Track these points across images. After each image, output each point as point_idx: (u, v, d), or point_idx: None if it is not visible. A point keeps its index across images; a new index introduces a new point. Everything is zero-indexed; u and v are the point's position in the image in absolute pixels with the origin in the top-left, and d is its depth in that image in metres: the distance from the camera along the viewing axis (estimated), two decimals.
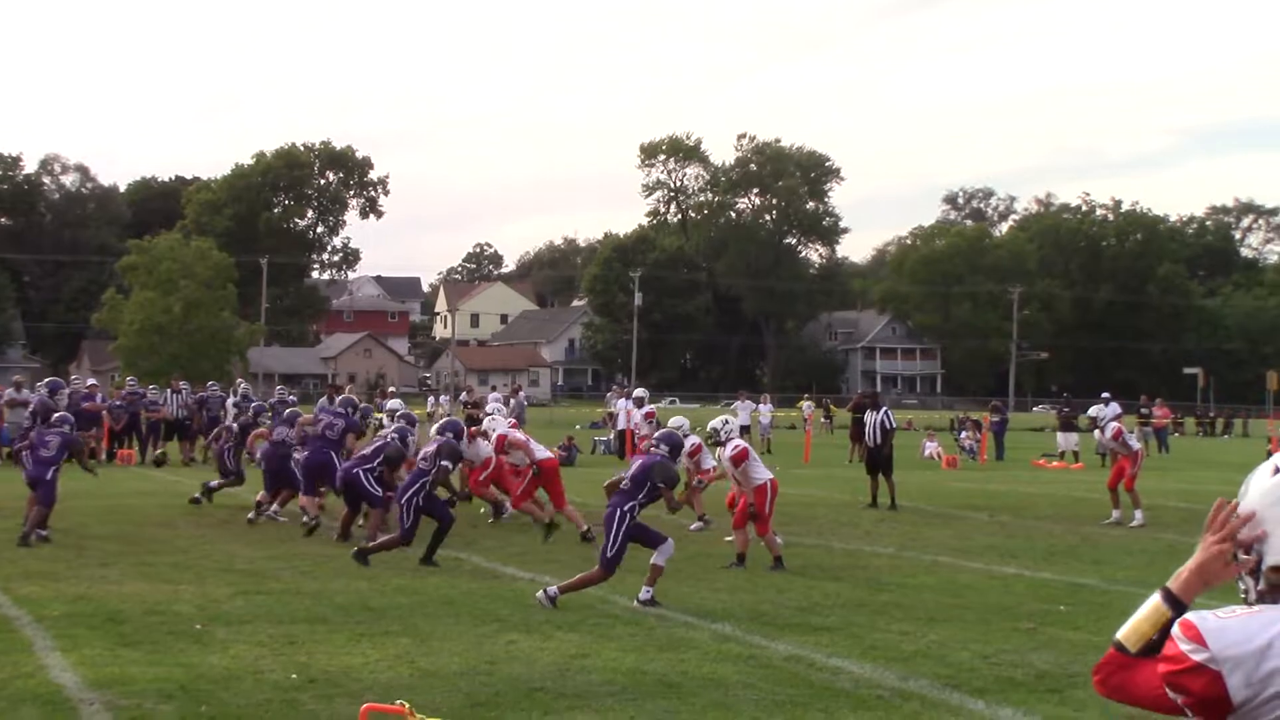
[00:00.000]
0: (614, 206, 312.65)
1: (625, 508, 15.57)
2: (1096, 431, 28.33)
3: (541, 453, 23.76)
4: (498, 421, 25.14)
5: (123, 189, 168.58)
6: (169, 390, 43.31)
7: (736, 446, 19.05)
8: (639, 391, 38.62)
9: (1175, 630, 3.58)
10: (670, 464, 16.12)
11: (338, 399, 32.98)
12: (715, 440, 19.63)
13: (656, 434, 17.46)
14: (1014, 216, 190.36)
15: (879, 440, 29.72)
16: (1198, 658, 3.50)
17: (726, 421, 19.61)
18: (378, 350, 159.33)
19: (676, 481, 16.55)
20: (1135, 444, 27.68)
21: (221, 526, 23.12)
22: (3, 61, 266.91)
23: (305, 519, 22.54)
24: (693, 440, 22.83)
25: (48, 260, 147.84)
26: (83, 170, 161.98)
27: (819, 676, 11.88)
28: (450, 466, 18.72)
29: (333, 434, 23.80)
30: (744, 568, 18.39)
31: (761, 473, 19.12)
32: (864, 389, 70.62)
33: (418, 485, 18.45)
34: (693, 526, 24.14)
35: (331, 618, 14.30)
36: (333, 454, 23.36)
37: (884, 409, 30.46)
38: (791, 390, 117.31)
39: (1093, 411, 30.41)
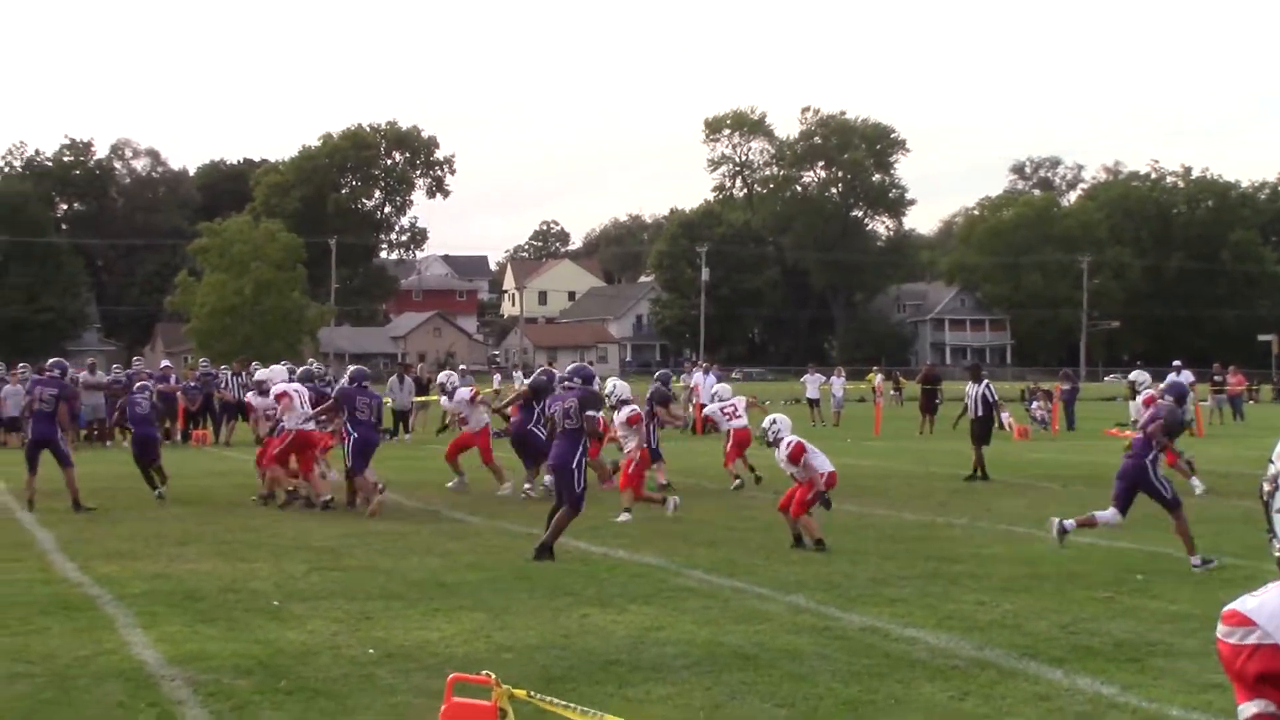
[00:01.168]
0: (679, 182, 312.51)
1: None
2: (1132, 401, 28.15)
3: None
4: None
5: (193, 172, 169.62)
6: (230, 372, 43.48)
7: (790, 444, 18.47)
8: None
9: (1219, 629, 3.51)
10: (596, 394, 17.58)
11: (408, 378, 33.27)
12: (766, 441, 19.06)
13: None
14: (1082, 185, 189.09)
15: (979, 412, 29.61)
16: (1250, 640, 3.44)
17: (774, 421, 19.08)
18: (447, 329, 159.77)
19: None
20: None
21: (295, 505, 23.18)
22: (73, 47, 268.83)
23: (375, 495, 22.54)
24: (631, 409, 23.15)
25: (120, 244, 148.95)
26: (153, 154, 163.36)
27: (894, 647, 11.83)
28: (596, 415, 17.92)
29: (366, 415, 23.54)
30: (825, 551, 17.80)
31: (823, 463, 18.66)
32: (932, 360, 70.35)
33: (580, 450, 17.36)
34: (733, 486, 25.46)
35: (406, 594, 14.34)
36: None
37: (985, 381, 30.26)
38: (861, 363, 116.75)
39: (1134, 376, 30.21)
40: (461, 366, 58.15)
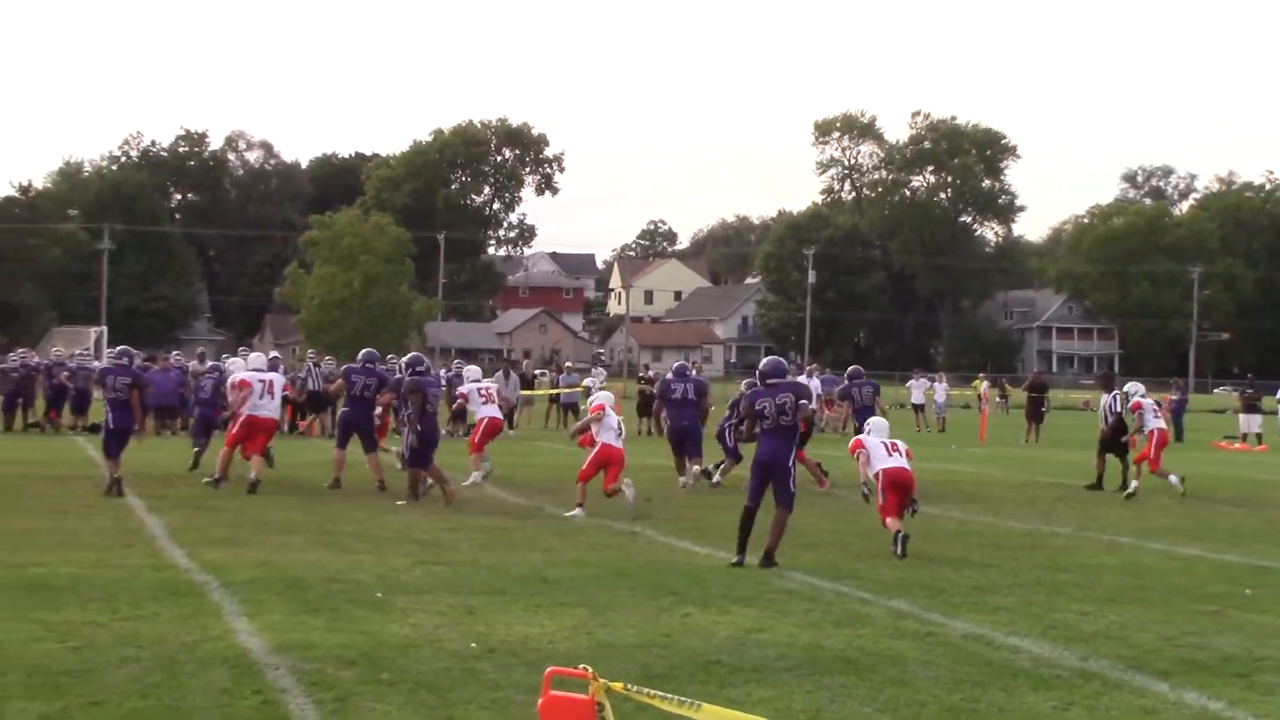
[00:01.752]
0: (788, 184, 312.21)
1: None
2: (1242, 415, 28.18)
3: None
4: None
5: (305, 165, 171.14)
6: (308, 363, 43.57)
7: (851, 441, 18.80)
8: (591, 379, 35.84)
9: None
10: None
11: (514, 374, 33.59)
12: None
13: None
14: (1194, 195, 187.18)
15: (1109, 421, 29.32)
16: None
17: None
18: (552, 326, 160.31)
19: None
20: (1154, 422, 28.37)
21: (399, 497, 23.29)
22: (189, 39, 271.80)
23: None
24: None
25: (232, 235, 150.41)
26: (266, 146, 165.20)
27: (998, 655, 11.73)
28: (811, 407, 17.68)
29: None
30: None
31: (877, 463, 18.55)
32: (1038, 368, 69.49)
33: (794, 448, 17.13)
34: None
35: (509, 589, 14.37)
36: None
37: (1114, 392, 29.95)
38: (966, 369, 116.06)
39: (1129, 388, 30.52)
40: (567, 364, 58.33)
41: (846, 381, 32.27)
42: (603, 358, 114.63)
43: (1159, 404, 46.22)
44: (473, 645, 11.55)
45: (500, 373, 45.95)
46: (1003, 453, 40.12)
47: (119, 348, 26.06)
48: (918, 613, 13.55)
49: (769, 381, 17.12)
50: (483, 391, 27.76)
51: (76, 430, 39.55)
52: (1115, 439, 29.09)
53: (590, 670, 6.14)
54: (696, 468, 26.98)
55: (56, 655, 10.93)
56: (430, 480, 23.14)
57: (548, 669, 6.63)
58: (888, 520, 18.19)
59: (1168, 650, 12.13)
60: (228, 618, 12.47)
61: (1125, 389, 30.64)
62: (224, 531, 18.32)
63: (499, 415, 27.81)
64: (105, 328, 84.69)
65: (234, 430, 25.26)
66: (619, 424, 22.31)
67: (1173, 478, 27.20)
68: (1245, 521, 23.18)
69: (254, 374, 25.73)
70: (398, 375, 25.12)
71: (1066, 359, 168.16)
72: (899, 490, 18.36)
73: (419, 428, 23.06)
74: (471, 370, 30.23)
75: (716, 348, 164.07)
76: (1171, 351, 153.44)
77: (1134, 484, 27.14)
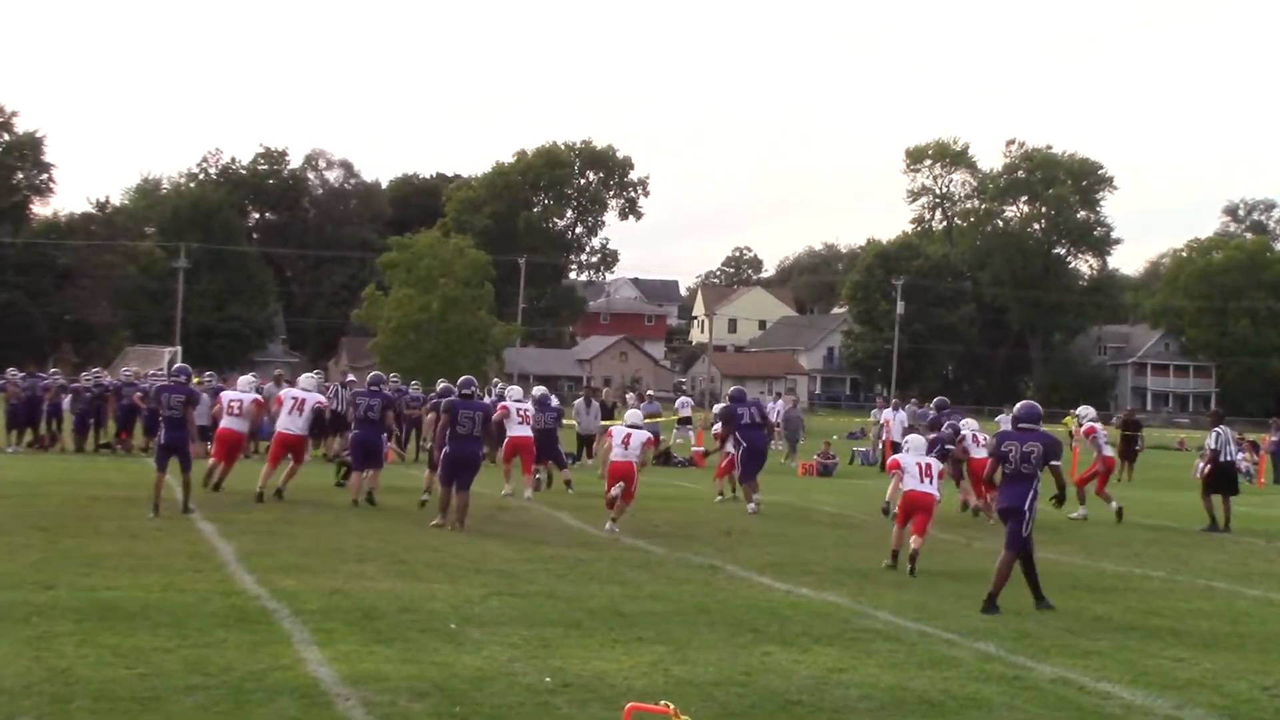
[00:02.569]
0: (877, 212, 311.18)
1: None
2: None
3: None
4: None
5: (385, 185, 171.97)
6: (335, 384, 43.41)
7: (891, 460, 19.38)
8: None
9: None
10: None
11: (594, 402, 34.34)
12: None
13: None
14: None
15: (1228, 458, 29.46)
16: None
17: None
18: (633, 353, 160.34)
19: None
20: (1106, 450, 30.84)
21: (475, 526, 23.33)
22: (271, 55, 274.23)
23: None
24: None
25: (310, 255, 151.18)
26: (346, 166, 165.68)
27: (1087, 701, 11.63)
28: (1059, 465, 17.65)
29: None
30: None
31: (907, 483, 20.24)
32: (1132, 405, 68.79)
33: (1034, 494, 16.92)
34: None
35: (585, 622, 14.36)
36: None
37: (1216, 431, 29.88)
38: (1058, 405, 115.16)
39: (1079, 411, 31.46)
40: (649, 392, 58.31)
41: (934, 412, 32.67)
42: (684, 386, 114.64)
43: (1256, 445, 45.97)
44: (547, 679, 11.55)
45: (581, 400, 45.97)
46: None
47: (176, 365, 26.87)
48: (1005, 656, 13.46)
49: (1020, 426, 17.14)
50: (521, 413, 29.78)
51: (148, 451, 39.81)
52: (1219, 479, 29.08)
53: (672, 707, 6.14)
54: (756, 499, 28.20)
55: (124, 681, 11.00)
56: (434, 494, 23.97)
57: (628, 705, 6.62)
58: (896, 534, 20.15)
59: (1264, 700, 12.01)
60: (298, 646, 12.52)
61: (1076, 412, 31.55)
62: (296, 558, 18.40)
63: (527, 434, 29.75)
64: (179, 348, 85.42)
65: (272, 449, 27.97)
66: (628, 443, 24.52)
67: (1114, 504, 29.02)
68: None
69: (287, 391, 29.23)
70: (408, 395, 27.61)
71: (1161, 396, 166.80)
72: (917, 513, 20.06)
73: (446, 447, 23.72)
74: (513, 390, 31.71)
75: (801, 378, 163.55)
76: (1271, 391, 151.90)
77: (1090, 508, 28.97)
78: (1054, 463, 16.90)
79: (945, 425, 30.82)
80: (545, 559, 19.39)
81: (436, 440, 24.59)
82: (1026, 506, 16.67)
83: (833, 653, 13.23)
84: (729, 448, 29.72)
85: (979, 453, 28.32)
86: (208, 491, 26.99)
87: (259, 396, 29.88)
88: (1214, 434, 29.90)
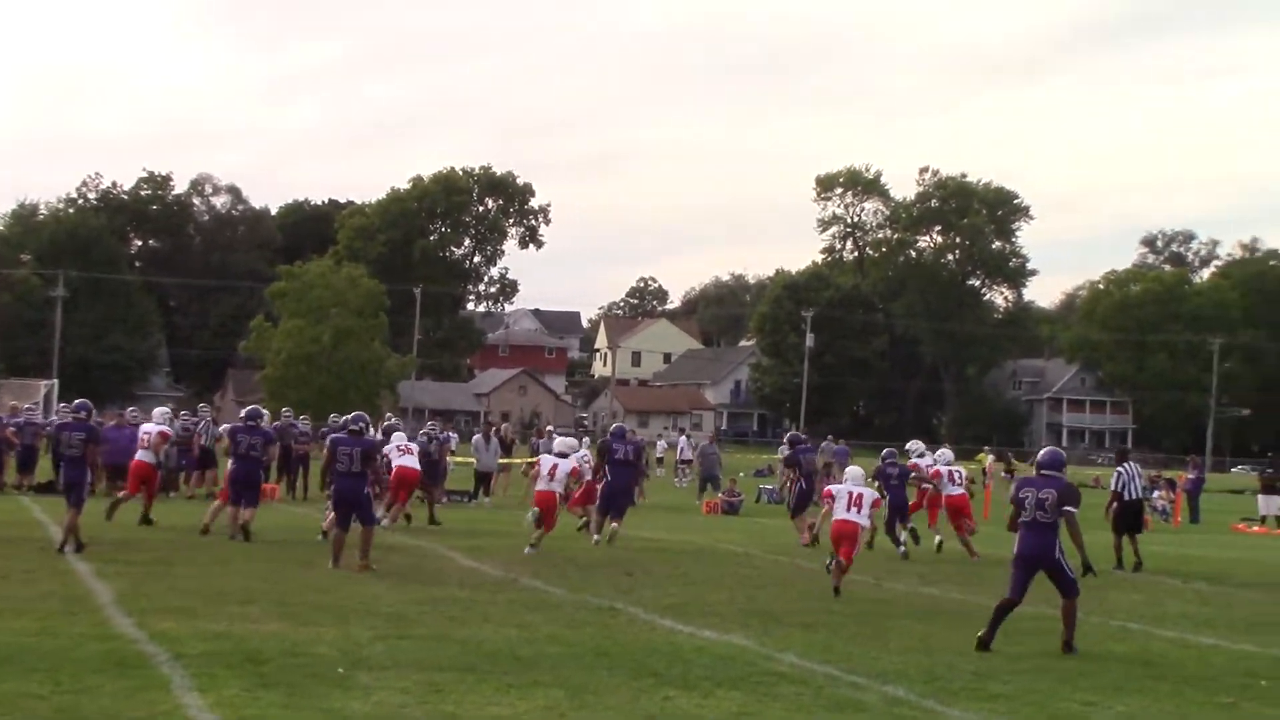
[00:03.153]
0: (786, 242, 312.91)
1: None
2: (1262, 496, 28.71)
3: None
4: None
5: (274, 211, 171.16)
6: (205, 418, 42.93)
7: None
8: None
9: None
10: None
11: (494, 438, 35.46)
12: None
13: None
14: (1216, 262, 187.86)
15: (1133, 495, 29.86)
16: None
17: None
18: (533, 387, 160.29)
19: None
20: (952, 490, 30.44)
21: (365, 568, 23.26)
22: (154, 75, 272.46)
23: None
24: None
25: (195, 284, 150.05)
26: (234, 191, 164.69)
27: None
28: (1075, 512, 17.78)
29: None
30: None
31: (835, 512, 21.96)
32: (1047, 441, 69.14)
33: (1058, 540, 17.34)
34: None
35: (480, 666, 14.33)
36: None
37: (1130, 462, 30.48)
38: (970, 441, 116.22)
39: (909, 446, 32.65)
40: (549, 428, 58.28)
41: (788, 448, 34.18)
42: (585, 422, 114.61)
43: (1173, 483, 46.55)
44: None
45: (480, 436, 45.89)
46: (1006, 533, 39.95)
47: (77, 401, 26.94)
48: (914, 699, 13.53)
49: (1042, 473, 17.35)
50: (401, 447, 30.95)
51: (22, 490, 39.41)
52: (1123, 517, 29.47)
53: None
54: (615, 525, 29.71)
55: None
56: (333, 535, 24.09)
57: None
58: (836, 562, 21.89)
59: None
60: (177, 692, 12.42)
61: (907, 447, 32.21)
62: (177, 600, 18.26)
63: (413, 465, 30.92)
64: (56, 381, 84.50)
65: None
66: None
67: (903, 538, 29.33)
68: (1264, 609, 23.18)
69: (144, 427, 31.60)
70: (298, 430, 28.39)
71: (1078, 433, 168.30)
72: (844, 541, 22.03)
73: (332, 485, 24.56)
74: (397, 433, 33.09)
75: (707, 413, 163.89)
76: (1188, 426, 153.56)
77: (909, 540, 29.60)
78: (1068, 509, 17.25)
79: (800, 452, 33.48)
80: (438, 600, 19.34)
81: (323, 477, 25.21)
82: (1057, 554, 17.22)
83: (737, 697, 13.26)
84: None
85: (953, 490, 29.37)
86: (138, 524, 29.13)
87: (166, 428, 32.02)
88: (1116, 472, 30.38)
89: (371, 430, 29.20)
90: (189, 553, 24.32)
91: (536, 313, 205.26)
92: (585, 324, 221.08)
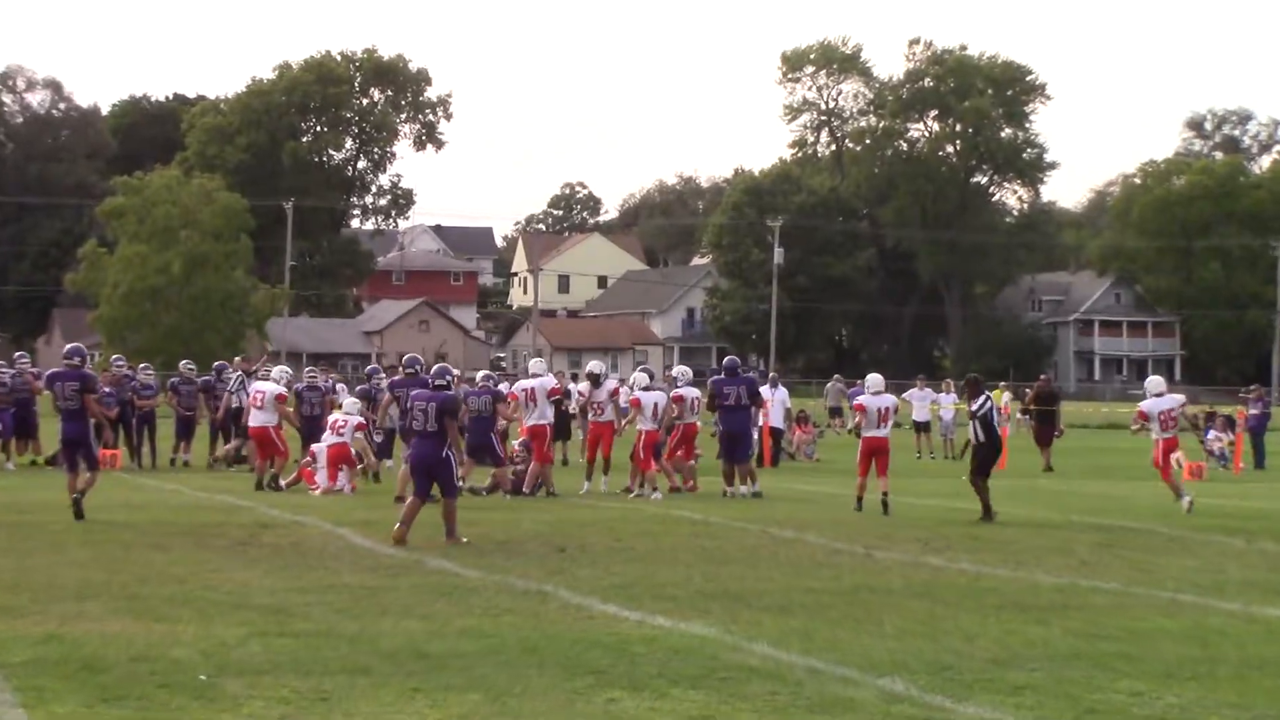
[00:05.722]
0: (747, 136, 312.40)
1: None
2: None
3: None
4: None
5: (106, 111, 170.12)
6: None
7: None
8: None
9: None
10: None
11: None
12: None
13: None
14: (1278, 148, 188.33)
15: (982, 437, 30.19)
16: None
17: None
18: (437, 322, 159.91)
19: None
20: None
21: (234, 550, 23.21)
22: None
23: None
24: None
25: (9, 204, 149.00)
26: (54, 86, 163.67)
27: None
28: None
29: None
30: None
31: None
32: (1047, 375, 68.61)
33: None
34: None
35: (377, 667, 14.32)
36: None
37: (986, 396, 30.88)
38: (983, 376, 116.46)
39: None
40: (455, 373, 57.97)
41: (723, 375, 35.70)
42: (503, 363, 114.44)
43: (1231, 420, 46.73)
44: None
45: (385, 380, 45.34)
46: (1029, 484, 40.24)
47: (69, 346, 27.99)
48: (917, 695, 13.56)
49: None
50: (258, 396, 34.01)
51: None
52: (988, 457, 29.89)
53: None
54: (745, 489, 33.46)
55: None
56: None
57: None
58: (860, 483, 26.13)
59: None
60: None
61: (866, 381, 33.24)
62: None
63: (265, 422, 33.85)
64: None
65: None
66: None
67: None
68: None
69: None
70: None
71: (1113, 361, 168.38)
72: (878, 456, 26.66)
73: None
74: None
75: (654, 349, 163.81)
76: (1249, 351, 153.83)
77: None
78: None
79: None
80: (323, 588, 19.31)
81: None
82: None
83: (698, 698, 13.28)
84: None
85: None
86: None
87: (282, 390, 34.71)
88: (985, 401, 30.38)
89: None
90: (10, 537, 24.21)
91: (438, 230, 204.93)
92: (500, 243, 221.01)
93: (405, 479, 27.89)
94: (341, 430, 33.74)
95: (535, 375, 34.58)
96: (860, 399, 29.33)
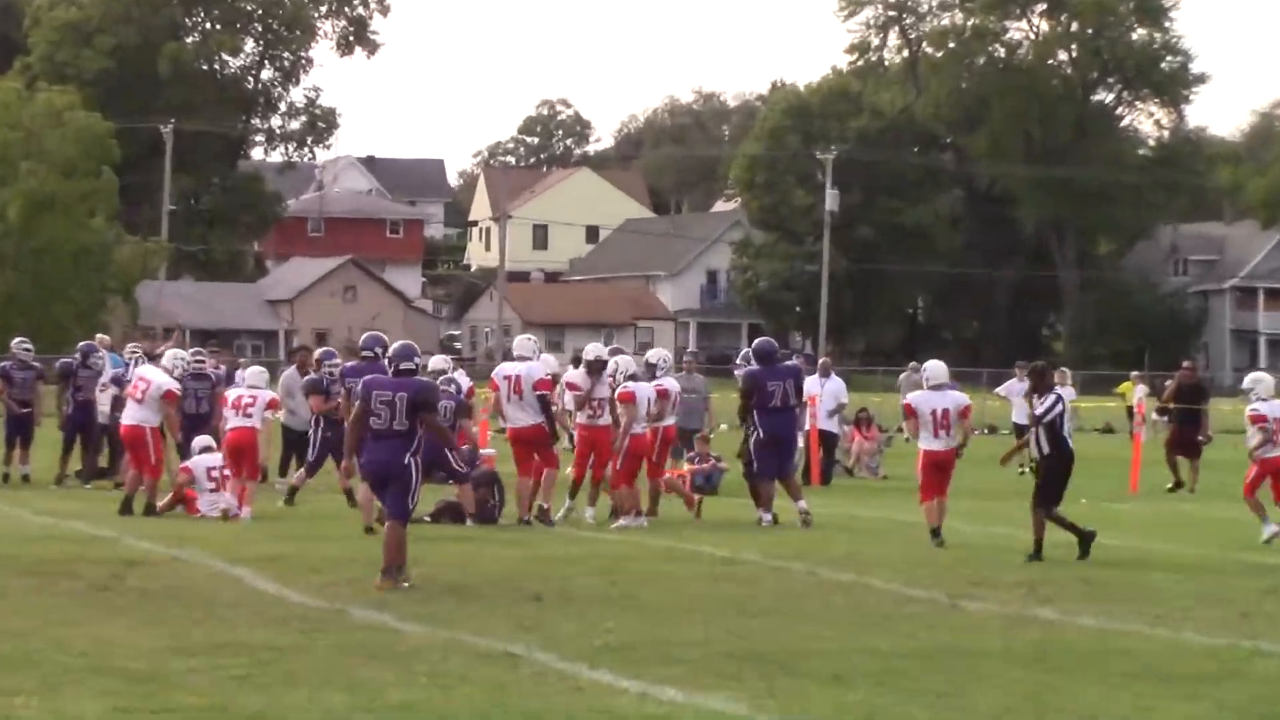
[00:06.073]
0: (790, 39, 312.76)
1: None
2: None
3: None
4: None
5: None
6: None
7: None
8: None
9: None
10: None
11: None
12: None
13: None
14: None
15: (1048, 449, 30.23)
16: None
17: None
18: (367, 288, 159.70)
19: None
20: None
21: (91, 596, 23.21)
22: None
23: None
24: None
25: None
26: None
27: None
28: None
29: None
30: None
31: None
32: (1190, 361, 67.39)
33: None
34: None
35: None
36: None
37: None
38: (1106, 363, 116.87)
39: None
40: (527, 338, 58.05)
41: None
42: (457, 344, 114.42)
43: None
44: None
45: (293, 370, 45.35)
46: (1173, 508, 40.26)
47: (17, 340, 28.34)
48: None
49: None
50: (139, 386, 34.17)
51: None
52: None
53: None
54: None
55: None
56: None
57: None
58: (929, 509, 25.93)
59: None
60: None
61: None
62: None
63: (139, 422, 33.85)
64: None
65: None
66: None
67: None
68: None
69: None
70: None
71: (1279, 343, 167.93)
72: (938, 474, 26.43)
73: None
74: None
75: (662, 325, 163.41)
76: None
77: None
78: None
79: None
80: (212, 649, 19.27)
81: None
82: None
83: None
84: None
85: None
86: None
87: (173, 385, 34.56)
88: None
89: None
90: None
91: (370, 164, 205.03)
92: (454, 181, 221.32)
93: (370, 502, 28.12)
94: (250, 410, 33.44)
95: (522, 358, 34.46)
96: (910, 397, 29.16)
